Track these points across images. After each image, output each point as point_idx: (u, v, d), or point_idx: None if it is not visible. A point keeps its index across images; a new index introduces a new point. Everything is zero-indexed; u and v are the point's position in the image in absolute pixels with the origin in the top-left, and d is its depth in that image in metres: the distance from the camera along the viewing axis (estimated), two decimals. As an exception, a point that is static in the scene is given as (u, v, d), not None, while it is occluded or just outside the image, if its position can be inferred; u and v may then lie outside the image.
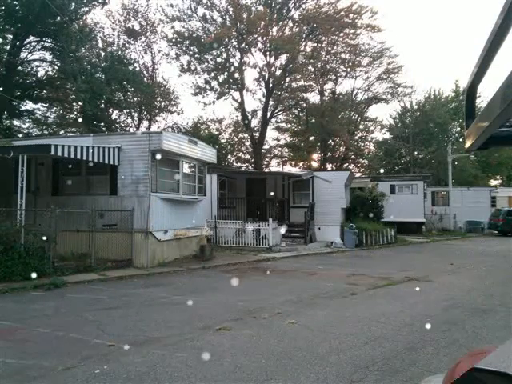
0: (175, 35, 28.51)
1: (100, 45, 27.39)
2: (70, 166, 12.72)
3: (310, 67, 30.28)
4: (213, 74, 29.13)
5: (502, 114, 0.95)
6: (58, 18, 21.62)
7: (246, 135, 33.08)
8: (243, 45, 27.93)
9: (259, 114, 31.77)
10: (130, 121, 31.09)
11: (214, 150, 16.47)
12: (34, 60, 25.27)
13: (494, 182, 45.69)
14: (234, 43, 28.37)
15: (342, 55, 31.15)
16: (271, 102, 31.17)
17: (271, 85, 29.14)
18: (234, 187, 21.09)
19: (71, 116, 29.61)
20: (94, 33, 26.14)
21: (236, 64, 28.91)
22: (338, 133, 31.43)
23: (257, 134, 31.20)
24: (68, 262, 10.85)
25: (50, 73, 26.61)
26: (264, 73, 29.17)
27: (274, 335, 5.77)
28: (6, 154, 10.30)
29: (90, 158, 11.27)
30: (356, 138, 37.96)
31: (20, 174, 10.30)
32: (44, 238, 9.96)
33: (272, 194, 19.28)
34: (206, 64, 29.12)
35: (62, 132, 28.09)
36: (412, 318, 6.77)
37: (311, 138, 36.19)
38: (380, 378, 4.32)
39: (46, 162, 13.34)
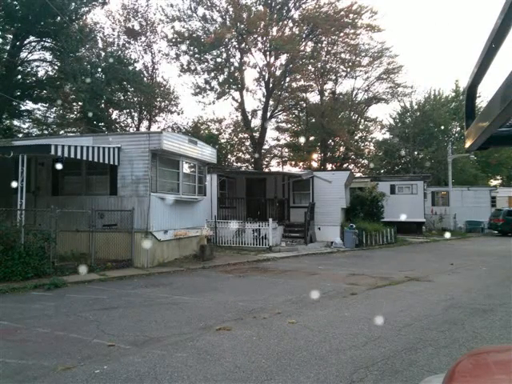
0: (175, 35, 28.52)
1: (100, 45, 27.41)
2: (69, 166, 12.73)
3: (310, 67, 30.29)
4: (213, 74, 29.15)
5: (501, 114, 0.95)
6: (58, 18, 21.63)
7: (246, 135, 33.08)
8: (243, 45, 27.93)
9: (259, 113, 31.82)
10: (130, 121, 31.12)
11: (214, 149, 16.47)
12: (34, 60, 25.30)
13: (494, 182, 45.72)
14: (234, 43, 28.39)
15: (342, 55, 31.18)
16: (271, 102, 31.19)
17: (271, 85, 29.14)
18: (233, 187, 21.09)
19: (71, 116, 29.62)
20: (94, 33, 26.16)
21: (236, 64, 28.94)
22: (338, 133, 31.43)
23: (257, 134, 31.20)
24: (68, 261, 10.85)
25: (50, 73, 26.64)
26: (264, 73, 29.19)
27: (273, 335, 5.77)
28: (6, 153, 10.30)
29: (90, 158, 11.27)
30: (356, 138, 37.98)
31: (20, 174, 10.30)
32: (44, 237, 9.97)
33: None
34: (206, 64, 29.14)
35: (62, 132, 28.11)
36: (412, 317, 6.77)
37: (311, 138, 36.20)
38: (380, 377, 4.32)
39: (46, 162, 13.34)
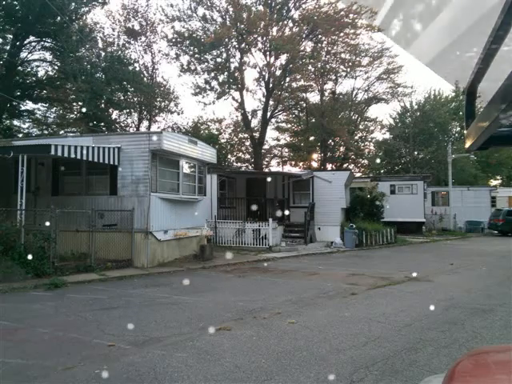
0: (175, 35, 28.51)
1: (100, 45, 27.40)
2: (69, 166, 12.74)
3: (310, 67, 30.27)
4: (213, 74, 29.12)
5: (502, 114, 0.95)
6: (58, 18, 21.64)
7: (246, 135, 33.07)
8: (243, 45, 27.91)
9: (259, 114, 31.78)
10: (130, 121, 31.11)
11: (214, 150, 16.48)
12: (34, 60, 25.32)
13: (494, 182, 45.71)
14: (234, 43, 28.36)
15: (342, 55, 31.11)
16: (271, 102, 31.16)
17: (271, 85, 29.12)
18: (233, 187, 21.09)
19: (71, 116, 29.63)
20: (94, 33, 26.16)
21: (236, 64, 28.91)
22: (338, 133, 31.42)
23: (257, 134, 31.20)
24: (68, 261, 10.85)
25: (50, 73, 26.64)
26: (264, 73, 29.16)
27: (274, 335, 5.77)
28: (6, 154, 10.31)
29: (90, 158, 11.27)
30: (356, 138, 37.97)
31: (20, 174, 10.30)
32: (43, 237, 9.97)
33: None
34: (206, 64, 29.11)
35: (61, 132, 28.11)
36: (412, 317, 6.77)
37: (311, 138, 36.19)
38: (380, 377, 4.32)
39: (46, 162, 13.34)
